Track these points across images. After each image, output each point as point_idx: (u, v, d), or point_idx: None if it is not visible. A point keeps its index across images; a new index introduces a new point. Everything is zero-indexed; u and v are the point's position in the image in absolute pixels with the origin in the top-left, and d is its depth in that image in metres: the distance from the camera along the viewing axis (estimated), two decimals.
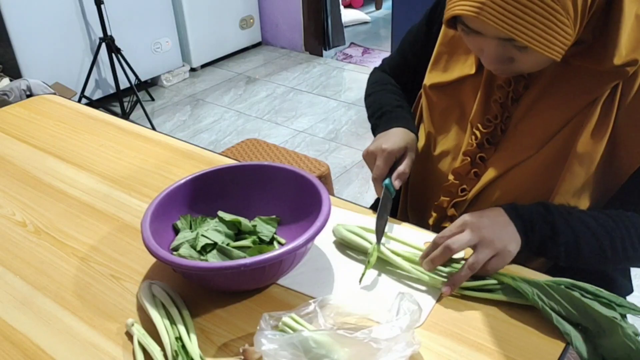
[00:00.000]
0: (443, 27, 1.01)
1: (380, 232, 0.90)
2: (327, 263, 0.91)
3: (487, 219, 0.85)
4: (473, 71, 0.98)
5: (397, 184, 0.96)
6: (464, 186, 1.00)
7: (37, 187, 1.15)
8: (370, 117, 1.17)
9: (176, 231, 0.94)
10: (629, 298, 1.05)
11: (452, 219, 1.00)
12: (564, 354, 0.75)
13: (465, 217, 0.85)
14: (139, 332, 0.78)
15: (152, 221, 0.86)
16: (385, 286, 0.87)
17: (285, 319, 0.74)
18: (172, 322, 0.78)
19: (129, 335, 0.79)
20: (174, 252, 0.89)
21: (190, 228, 0.94)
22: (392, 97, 1.15)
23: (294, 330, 0.73)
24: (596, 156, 0.87)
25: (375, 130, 1.09)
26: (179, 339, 0.76)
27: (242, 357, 0.74)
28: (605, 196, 0.91)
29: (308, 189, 0.90)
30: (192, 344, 0.75)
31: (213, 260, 0.88)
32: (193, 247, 0.90)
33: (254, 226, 0.94)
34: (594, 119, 0.86)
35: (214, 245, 0.90)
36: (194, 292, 0.87)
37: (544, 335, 0.77)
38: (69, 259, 0.95)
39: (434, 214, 1.04)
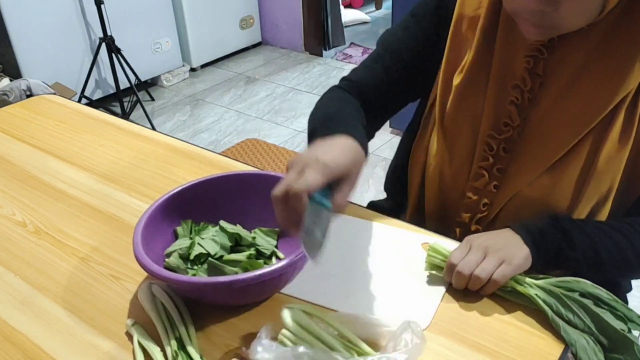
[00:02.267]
0: (452, 28, 0.94)
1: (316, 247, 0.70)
2: (331, 269, 0.89)
3: (491, 234, 0.86)
4: (472, 52, 0.90)
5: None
6: (485, 200, 0.95)
7: (37, 187, 1.15)
8: (309, 133, 0.92)
9: (177, 236, 0.93)
10: (628, 295, 1.05)
11: (476, 233, 0.97)
12: (564, 354, 0.75)
13: (469, 238, 0.86)
14: (138, 332, 0.78)
15: (148, 225, 0.84)
16: (392, 291, 0.86)
17: (285, 331, 0.73)
18: (172, 322, 0.78)
19: (129, 335, 0.79)
20: (167, 259, 0.88)
21: (191, 234, 0.92)
22: (346, 108, 0.96)
23: (293, 344, 0.72)
24: (623, 160, 0.85)
25: (313, 137, 0.85)
26: (179, 339, 0.76)
27: (243, 358, 0.74)
28: (628, 202, 0.90)
29: None
30: (192, 345, 0.75)
31: (202, 274, 0.87)
32: (186, 256, 0.88)
33: (254, 238, 0.92)
34: (619, 123, 0.83)
35: (207, 256, 0.88)
36: None
37: (544, 335, 0.77)
38: (69, 259, 0.95)
39: (457, 229, 1.00)
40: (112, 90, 3.37)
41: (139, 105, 3.23)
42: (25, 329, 0.82)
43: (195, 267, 0.88)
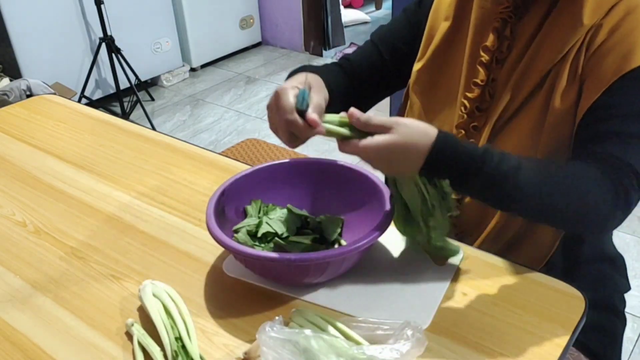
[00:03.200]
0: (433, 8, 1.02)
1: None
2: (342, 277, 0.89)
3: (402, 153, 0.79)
4: (450, 21, 0.99)
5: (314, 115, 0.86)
6: None
7: (37, 187, 1.15)
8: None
9: (246, 214, 0.95)
10: (626, 295, 1.05)
11: None
12: (564, 354, 0.75)
13: (394, 134, 0.79)
14: (138, 332, 0.78)
15: (219, 201, 0.89)
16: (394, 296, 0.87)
17: (293, 324, 0.74)
18: (172, 322, 0.78)
19: (129, 335, 0.79)
20: (235, 235, 0.91)
21: (259, 213, 0.95)
22: (323, 74, 1.00)
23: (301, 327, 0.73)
24: (569, 118, 0.88)
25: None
26: (179, 339, 0.76)
27: (244, 358, 0.74)
28: None
29: (376, 196, 0.90)
30: (192, 344, 0.75)
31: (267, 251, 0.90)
32: (253, 233, 0.91)
33: (319, 223, 0.94)
34: (565, 77, 0.87)
35: (274, 235, 0.91)
36: (194, 292, 0.87)
37: (543, 336, 0.77)
38: (69, 259, 0.95)
39: None
40: (112, 90, 3.37)
41: (139, 105, 3.23)
42: (25, 329, 0.82)
43: (262, 244, 0.91)
